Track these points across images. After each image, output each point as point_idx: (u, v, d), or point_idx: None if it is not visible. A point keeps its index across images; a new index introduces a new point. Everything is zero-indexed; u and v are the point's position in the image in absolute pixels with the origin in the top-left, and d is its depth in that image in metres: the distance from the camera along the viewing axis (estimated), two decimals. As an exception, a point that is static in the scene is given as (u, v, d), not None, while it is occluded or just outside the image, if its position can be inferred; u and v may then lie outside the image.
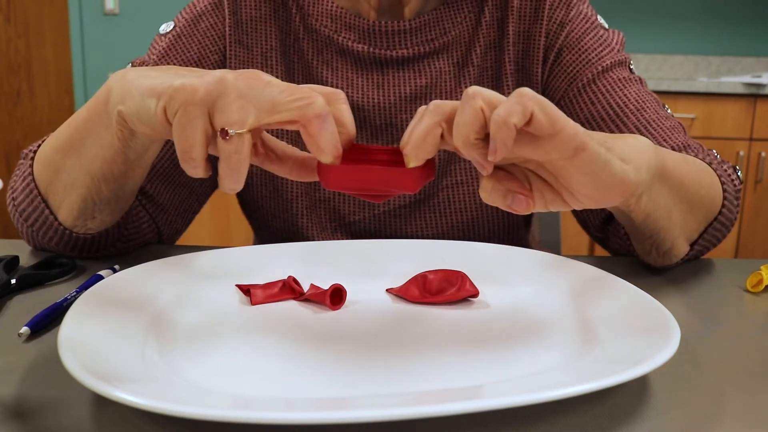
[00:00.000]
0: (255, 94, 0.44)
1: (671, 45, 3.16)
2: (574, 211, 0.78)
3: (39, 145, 0.67)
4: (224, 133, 0.44)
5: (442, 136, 0.45)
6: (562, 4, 0.76)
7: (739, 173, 0.70)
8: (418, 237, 0.80)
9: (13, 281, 0.58)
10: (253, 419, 0.32)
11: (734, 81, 2.59)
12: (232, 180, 0.45)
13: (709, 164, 0.67)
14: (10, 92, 3.37)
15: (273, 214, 0.82)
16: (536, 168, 0.47)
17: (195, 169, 0.46)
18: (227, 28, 0.78)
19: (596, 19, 0.78)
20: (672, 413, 0.40)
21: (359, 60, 0.77)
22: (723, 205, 0.66)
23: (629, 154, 0.48)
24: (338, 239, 0.80)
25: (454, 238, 0.81)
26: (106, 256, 0.69)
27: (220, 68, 0.78)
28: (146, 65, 0.77)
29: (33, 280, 0.60)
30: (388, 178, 0.46)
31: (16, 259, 0.65)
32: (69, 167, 0.60)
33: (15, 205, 0.66)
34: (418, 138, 0.45)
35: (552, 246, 1.17)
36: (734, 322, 0.55)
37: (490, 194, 0.46)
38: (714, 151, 0.73)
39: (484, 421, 0.39)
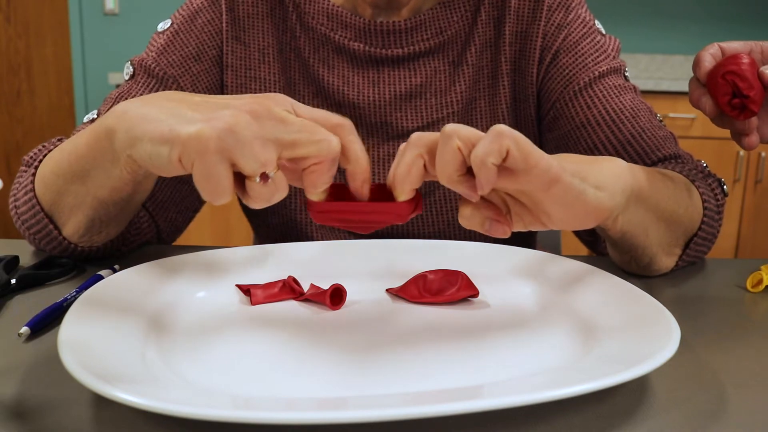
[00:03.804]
0: (273, 132, 0.44)
1: (671, 45, 3.16)
2: None
3: (39, 156, 0.67)
4: (265, 177, 0.44)
5: (425, 166, 0.47)
6: (561, 7, 0.76)
7: (724, 187, 0.71)
8: (416, 234, 0.80)
9: (13, 281, 0.58)
10: (253, 419, 0.32)
11: (734, 81, 2.58)
12: (267, 205, 0.46)
13: (694, 178, 0.68)
14: (10, 92, 3.37)
15: (271, 210, 0.82)
16: (514, 194, 0.48)
17: (221, 201, 0.45)
18: (224, 24, 0.78)
19: (594, 24, 0.78)
20: (672, 413, 0.40)
21: (355, 58, 0.77)
22: (702, 221, 0.66)
23: (603, 180, 0.50)
24: (337, 235, 0.80)
25: (452, 235, 0.81)
26: (106, 257, 0.69)
27: (218, 63, 0.79)
28: (146, 67, 0.77)
29: (33, 280, 0.60)
30: (378, 211, 0.47)
31: (16, 259, 0.65)
32: (73, 191, 0.59)
33: (18, 214, 0.66)
34: (403, 172, 0.46)
35: (552, 246, 1.17)
36: (734, 322, 0.55)
37: (469, 221, 0.48)
38: (703, 161, 0.74)
39: (484, 421, 0.39)
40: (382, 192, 0.49)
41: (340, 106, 0.78)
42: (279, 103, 0.46)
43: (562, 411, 0.40)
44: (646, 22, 3.15)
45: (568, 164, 0.47)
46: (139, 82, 0.77)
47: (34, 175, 0.64)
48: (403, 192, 0.47)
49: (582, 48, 0.76)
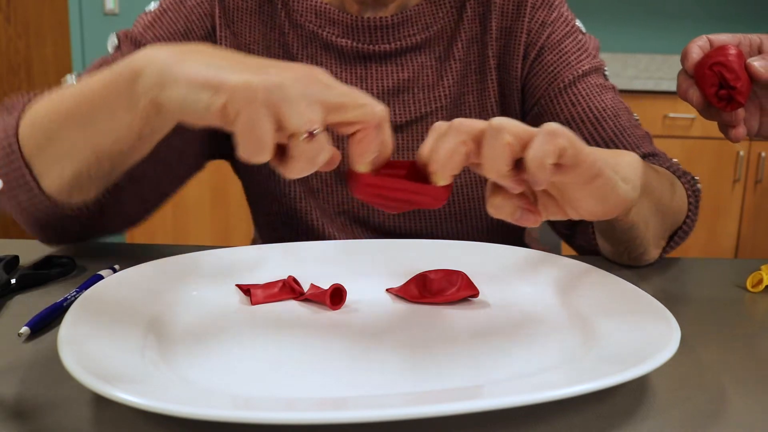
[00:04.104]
0: (318, 93, 0.43)
1: (671, 45, 3.16)
2: None
3: (23, 101, 0.62)
4: (311, 134, 0.43)
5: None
6: (544, 5, 0.78)
7: (698, 185, 0.74)
8: (411, 223, 0.80)
9: (13, 281, 0.58)
10: (253, 419, 0.32)
11: (734, 81, 2.59)
12: (305, 173, 0.45)
13: (677, 174, 0.72)
14: (10, 92, 3.37)
15: (272, 197, 0.82)
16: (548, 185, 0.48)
17: (258, 162, 0.44)
18: (217, 9, 0.78)
19: (576, 23, 0.80)
20: (672, 413, 0.40)
21: (343, 54, 0.78)
22: (687, 215, 0.70)
23: (628, 173, 0.52)
24: (338, 226, 0.80)
25: (447, 227, 0.81)
26: (64, 239, 0.67)
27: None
28: (132, 37, 0.75)
29: (33, 280, 0.60)
30: (417, 192, 0.47)
31: (16, 259, 0.65)
32: (67, 137, 0.55)
33: None
34: (445, 157, 0.46)
35: (552, 246, 1.17)
36: (734, 322, 0.55)
37: (499, 210, 0.48)
38: (675, 159, 0.77)
39: (484, 421, 0.39)
40: (413, 170, 0.49)
41: None
42: (321, 72, 0.45)
43: (562, 411, 0.40)
44: (646, 22, 3.15)
45: (601, 155, 0.48)
46: (125, 52, 0.74)
47: (19, 119, 0.59)
48: (444, 177, 0.46)
49: (565, 46, 0.77)
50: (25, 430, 0.37)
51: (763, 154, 2.63)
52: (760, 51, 0.61)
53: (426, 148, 0.47)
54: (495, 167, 0.44)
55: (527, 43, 0.78)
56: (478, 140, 0.45)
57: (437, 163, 0.46)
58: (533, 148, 0.43)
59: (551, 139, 0.43)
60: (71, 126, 0.54)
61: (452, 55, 0.79)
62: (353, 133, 0.45)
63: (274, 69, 0.43)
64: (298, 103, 0.42)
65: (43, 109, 0.57)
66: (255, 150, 0.42)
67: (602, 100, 0.76)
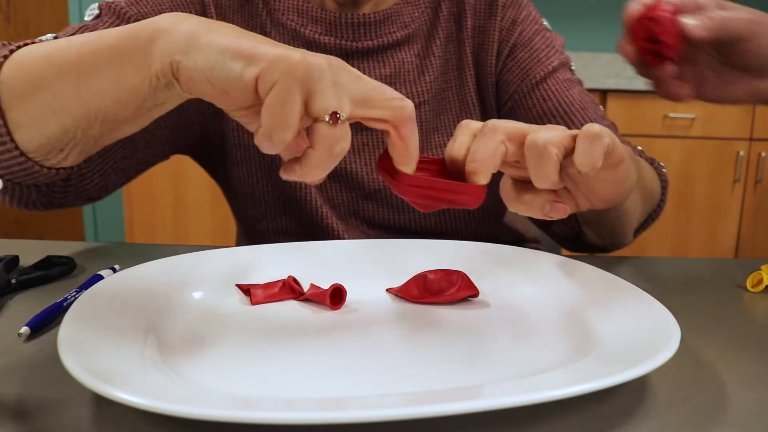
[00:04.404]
0: (348, 84, 0.42)
1: (671, 45, 3.16)
2: None
3: (10, 46, 0.53)
4: (335, 116, 0.41)
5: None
6: (513, 4, 0.82)
7: (664, 169, 0.80)
8: (395, 217, 0.80)
9: (13, 281, 0.58)
10: (253, 419, 0.32)
11: (734, 81, 2.59)
12: (322, 170, 0.43)
13: (648, 161, 0.78)
14: (10, 92, 3.37)
15: (264, 191, 0.81)
16: (564, 177, 0.50)
17: (275, 149, 0.42)
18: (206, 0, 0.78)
19: (543, 21, 0.84)
20: (672, 413, 0.40)
21: (326, 52, 0.79)
22: (661, 199, 0.76)
23: (630, 160, 0.55)
24: (323, 215, 0.80)
25: (433, 220, 0.81)
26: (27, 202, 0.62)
27: None
28: (118, 8, 0.72)
29: (33, 280, 0.60)
30: (459, 192, 0.47)
31: (16, 259, 0.65)
32: (60, 90, 0.49)
33: None
34: (487, 157, 0.47)
35: (551, 246, 1.17)
36: (734, 322, 0.55)
37: (530, 206, 0.50)
38: (639, 147, 0.83)
39: (484, 421, 0.39)
40: (442, 169, 0.49)
41: None
42: (347, 65, 0.44)
43: (562, 411, 0.40)
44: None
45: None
46: (106, 21, 0.72)
47: (4, 58, 0.52)
48: (486, 176, 0.47)
49: (535, 44, 0.81)
50: (25, 430, 0.37)
51: (763, 154, 2.63)
52: None
53: (461, 147, 0.48)
54: (549, 181, 0.47)
55: (500, 41, 0.81)
56: (516, 140, 0.47)
57: (479, 162, 0.47)
58: (582, 156, 0.45)
59: (597, 143, 0.45)
60: (68, 77, 0.48)
61: (431, 52, 0.81)
62: (390, 133, 0.45)
63: (307, 52, 0.42)
64: (329, 87, 0.41)
65: (35, 55, 0.50)
66: (281, 126, 0.41)
67: (570, 94, 0.80)
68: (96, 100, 0.48)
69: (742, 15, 0.58)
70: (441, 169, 0.49)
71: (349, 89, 0.42)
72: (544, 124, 0.80)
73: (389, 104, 0.43)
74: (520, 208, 0.50)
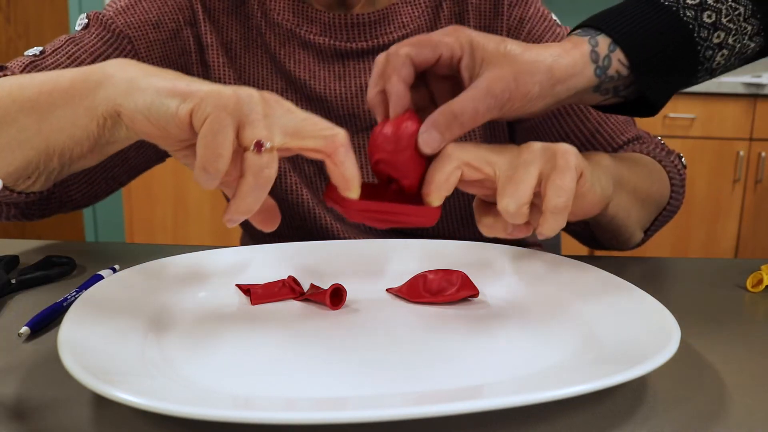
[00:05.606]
0: (279, 116, 0.45)
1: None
2: None
3: None
4: (259, 145, 0.43)
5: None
6: (519, 2, 0.79)
7: (683, 160, 0.77)
8: (416, 233, 0.80)
9: (13, 281, 0.58)
10: (253, 419, 0.32)
11: (734, 81, 2.59)
12: (254, 199, 0.44)
13: (656, 156, 0.75)
14: (10, 92, 3.37)
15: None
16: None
17: (212, 181, 0.44)
18: (198, 4, 0.78)
19: (552, 16, 0.82)
20: (672, 413, 0.40)
21: (321, 52, 0.78)
22: (671, 196, 0.74)
23: (598, 174, 0.55)
24: (317, 216, 0.80)
25: (453, 235, 0.81)
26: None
27: (174, 37, 0.78)
28: (106, 18, 0.75)
29: (33, 280, 0.60)
30: (411, 214, 0.49)
31: (16, 259, 0.65)
32: (24, 125, 0.51)
33: None
34: (441, 181, 0.49)
35: (551, 246, 1.17)
36: (734, 322, 0.55)
37: (491, 228, 0.52)
38: (659, 138, 0.80)
39: (484, 421, 0.39)
40: (389, 189, 0.50)
41: (309, 99, 0.79)
42: (280, 98, 0.46)
43: (562, 411, 0.40)
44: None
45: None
46: (93, 32, 0.75)
47: None
48: (439, 198, 0.49)
49: (546, 41, 0.79)
50: (25, 430, 0.37)
51: (763, 154, 2.63)
52: (472, 56, 0.52)
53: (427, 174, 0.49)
54: (520, 215, 0.48)
55: None
56: (473, 165, 0.49)
57: (433, 185, 0.49)
58: (557, 187, 0.48)
59: (570, 169, 0.48)
60: (29, 113, 0.51)
61: None
62: (326, 162, 0.46)
63: (239, 87, 0.45)
64: (260, 119, 0.44)
65: (5, 89, 0.53)
66: (214, 156, 0.43)
67: None
68: (54, 136, 0.51)
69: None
70: (397, 188, 0.50)
71: (281, 121, 0.45)
72: (558, 123, 0.80)
73: (320, 134, 0.45)
74: (483, 230, 0.52)
